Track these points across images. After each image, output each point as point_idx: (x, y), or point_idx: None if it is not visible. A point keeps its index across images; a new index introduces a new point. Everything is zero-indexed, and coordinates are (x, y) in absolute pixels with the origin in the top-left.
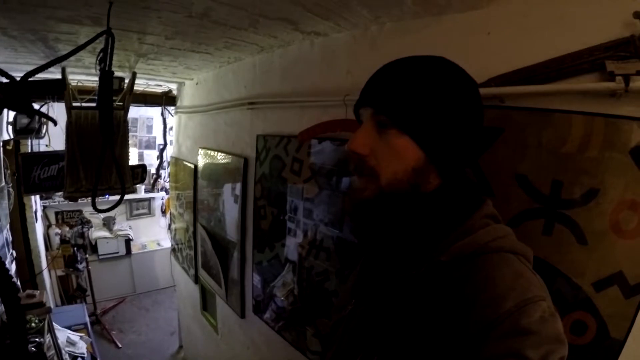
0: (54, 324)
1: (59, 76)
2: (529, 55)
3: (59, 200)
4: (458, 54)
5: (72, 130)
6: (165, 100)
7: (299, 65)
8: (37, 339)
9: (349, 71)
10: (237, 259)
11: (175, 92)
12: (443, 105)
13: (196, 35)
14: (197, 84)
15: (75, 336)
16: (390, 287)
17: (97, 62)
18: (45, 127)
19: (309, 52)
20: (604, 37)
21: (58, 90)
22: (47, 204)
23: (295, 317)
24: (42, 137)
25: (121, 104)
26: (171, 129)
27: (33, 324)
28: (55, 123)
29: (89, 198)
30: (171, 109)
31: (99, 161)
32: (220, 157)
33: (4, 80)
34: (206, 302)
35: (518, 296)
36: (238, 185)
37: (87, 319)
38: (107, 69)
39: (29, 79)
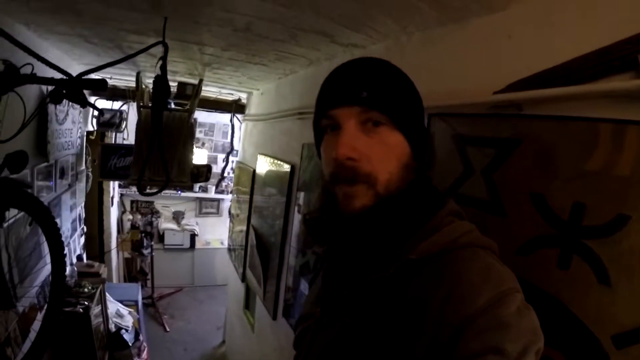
0: (107, 294)
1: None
2: (551, 57)
3: (134, 190)
4: (479, 61)
5: (141, 127)
6: (235, 108)
7: None
8: (86, 303)
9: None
10: (276, 262)
11: (244, 101)
12: (417, 100)
13: (247, 48)
14: (262, 93)
15: (124, 310)
16: (359, 292)
17: (159, 68)
18: (125, 122)
19: None
20: (635, 28)
21: (101, 87)
22: (125, 192)
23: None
24: (121, 131)
25: (188, 106)
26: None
27: (86, 289)
28: (99, 110)
29: (173, 191)
30: (240, 116)
31: (147, 153)
32: (274, 164)
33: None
34: (249, 301)
35: (492, 289)
36: (284, 191)
37: (140, 298)
38: (162, 73)
39: (83, 77)
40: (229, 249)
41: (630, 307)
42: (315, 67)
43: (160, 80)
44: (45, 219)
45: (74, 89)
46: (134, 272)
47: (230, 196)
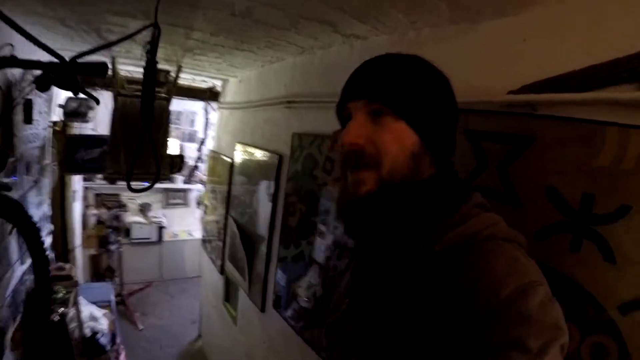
0: (80, 298)
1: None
2: (564, 62)
3: (99, 182)
4: (493, 61)
5: (118, 116)
6: (210, 95)
7: (338, 68)
8: (62, 309)
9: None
10: (263, 253)
11: (219, 88)
12: (430, 91)
13: (239, 34)
14: (240, 81)
15: (98, 312)
16: (384, 283)
17: (145, 53)
18: (91, 112)
19: (348, 54)
20: None
21: (102, 72)
22: (89, 185)
23: (316, 318)
24: (88, 121)
25: (165, 95)
26: (213, 123)
27: (60, 295)
28: (97, 102)
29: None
30: (214, 104)
31: (137, 145)
32: (256, 153)
33: (55, 61)
34: (229, 294)
35: (516, 281)
36: (272, 181)
37: (113, 298)
38: (152, 59)
39: (77, 61)
40: (204, 241)
41: (632, 282)
42: (308, 56)
43: (152, 67)
44: (27, 228)
45: (67, 74)
46: (101, 270)
47: (197, 186)
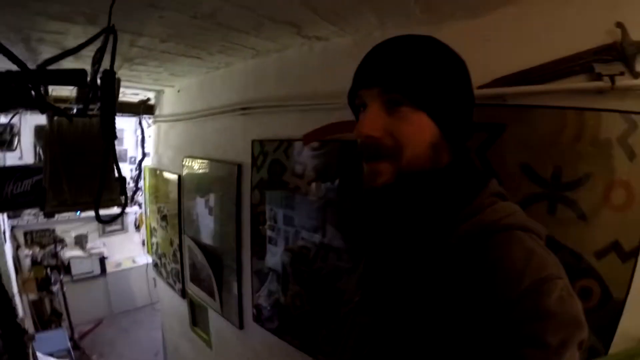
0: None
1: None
2: (527, 59)
3: (27, 219)
4: (463, 55)
5: (54, 140)
6: (144, 109)
7: (296, 70)
8: None
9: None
10: (233, 268)
11: (152, 101)
12: (450, 79)
13: (193, 38)
14: (178, 91)
15: None
16: (399, 274)
17: (92, 63)
18: (17, 139)
19: (307, 56)
20: (591, 43)
21: (80, 81)
22: (16, 223)
23: (305, 321)
24: (14, 150)
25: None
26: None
27: None
28: (70, 120)
29: (71, 213)
30: (147, 119)
31: (101, 170)
32: (210, 166)
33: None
34: (196, 317)
35: (533, 275)
36: (232, 193)
37: (69, 344)
38: (111, 69)
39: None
40: (156, 266)
41: (602, 231)
42: (261, 59)
43: (111, 77)
44: None
45: (33, 86)
46: (46, 316)
47: (134, 209)
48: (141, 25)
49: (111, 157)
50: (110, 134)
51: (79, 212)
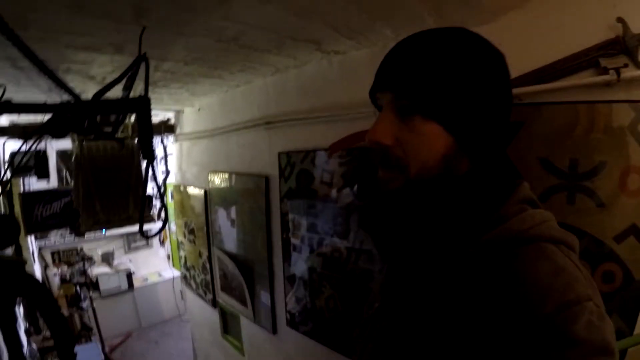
0: None
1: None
2: (537, 59)
3: (54, 239)
4: None
5: (85, 163)
6: (165, 128)
7: (316, 83)
8: None
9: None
10: (264, 275)
11: (172, 121)
12: (471, 84)
13: (216, 60)
14: (199, 109)
15: None
16: (418, 283)
17: (123, 89)
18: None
19: (327, 69)
20: (596, 40)
21: (133, 109)
22: (43, 244)
23: (339, 322)
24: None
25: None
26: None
27: None
28: (122, 146)
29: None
30: (167, 138)
31: (142, 188)
32: (235, 179)
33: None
34: (227, 325)
35: (560, 297)
36: (261, 203)
37: (103, 356)
38: (145, 94)
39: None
40: (185, 278)
41: (620, 217)
42: (281, 75)
43: (146, 102)
44: (46, 304)
45: (89, 116)
46: (76, 331)
47: (158, 224)
48: (166, 50)
49: (154, 175)
50: (149, 154)
51: (104, 230)
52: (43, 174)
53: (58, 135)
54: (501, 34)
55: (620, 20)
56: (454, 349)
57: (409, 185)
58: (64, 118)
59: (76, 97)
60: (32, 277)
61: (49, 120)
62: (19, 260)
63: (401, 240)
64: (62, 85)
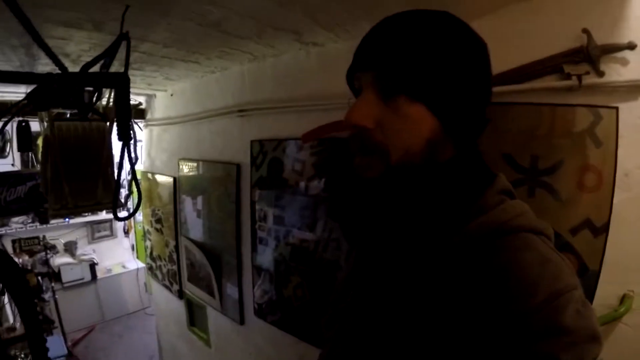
0: None
1: None
2: (506, 62)
3: (15, 227)
4: None
5: (55, 144)
6: (136, 113)
7: (293, 73)
8: None
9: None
10: (233, 264)
11: (144, 105)
12: (459, 65)
13: (194, 44)
14: (171, 95)
15: None
16: (394, 276)
17: (100, 67)
18: (9, 145)
19: (304, 60)
20: (561, 47)
21: (122, 84)
22: (3, 232)
23: (306, 311)
24: (6, 157)
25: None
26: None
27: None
28: (105, 121)
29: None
30: (138, 123)
31: (118, 170)
32: (207, 166)
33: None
34: (193, 317)
35: (548, 287)
36: (231, 191)
37: (66, 350)
38: (125, 72)
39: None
40: (150, 269)
41: (575, 211)
42: (258, 63)
43: (126, 80)
44: (20, 290)
45: (75, 88)
46: None
47: (123, 213)
48: (148, 31)
49: (130, 158)
50: (126, 135)
51: (67, 218)
52: (26, 147)
53: (42, 107)
54: None
55: (585, 31)
56: (434, 343)
57: (389, 172)
58: (50, 89)
59: (64, 68)
60: (4, 253)
61: (33, 90)
62: None
63: (375, 230)
64: (51, 55)
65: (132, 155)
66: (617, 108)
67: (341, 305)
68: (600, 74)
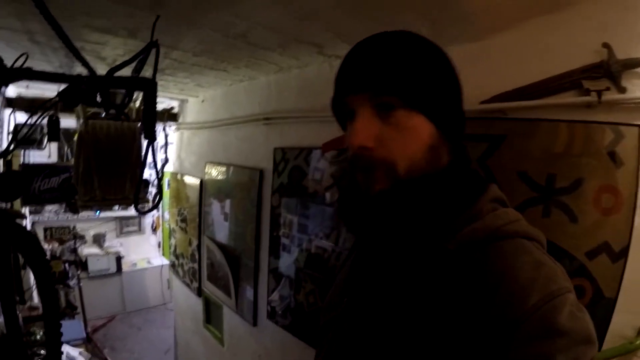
0: None
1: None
2: (524, 77)
3: (48, 215)
4: (465, 77)
5: (88, 140)
6: (168, 116)
7: (317, 84)
8: (42, 352)
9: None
10: (250, 267)
11: (176, 109)
12: (443, 73)
13: (223, 54)
14: (202, 101)
15: (74, 351)
16: (390, 281)
17: (132, 72)
18: (46, 138)
19: (327, 72)
20: (580, 62)
21: (147, 88)
22: (37, 219)
23: (317, 318)
24: (43, 149)
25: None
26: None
27: (38, 337)
28: (127, 120)
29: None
30: (170, 126)
31: (140, 167)
32: (231, 171)
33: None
34: (210, 315)
35: (543, 289)
36: (253, 196)
37: (85, 334)
38: (153, 78)
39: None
40: (173, 266)
41: (592, 234)
42: (283, 74)
43: (153, 85)
44: (39, 264)
45: (102, 89)
46: (60, 308)
47: (152, 211)
48: (177, 40)
49: (154, 157)
50: (152, 134)
51: (98, 212)
52: (54, 137)
53: (70, 104)
54: (490, 51)
55: (605, 45)
56: (431, 347)
57: (398, 185)
58: (78, 89)
59: (92, 70)
60: (27, 230)
61: (64, 89)
62: (15, 212)
63: (374, 237)
64: (80, 59)
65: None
66: (639, 126)
67: (336, 310)
68: (622, 90)
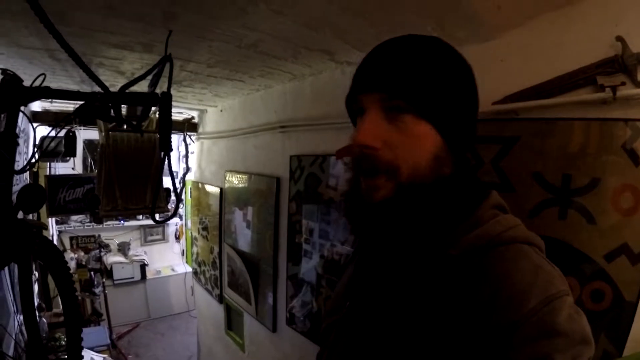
0: None
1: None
2: (536, 75)
3: (74, 225)
4: (478, 76)
5: (110, 152)
6: (188, 127)
7: (330, 91)
8: (65, 357)
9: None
10: (269, 273)
11: (196, 120)
12: (458, 85)
13: (237, 64)
14: (221, 110)
15: (98, 357)
16: (393, 286)
17: (149, 85)
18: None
19: (340, 78)
20: (594, 58)
21: (153, 103)
22: (63, 228)
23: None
24: (67, 161)
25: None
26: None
27: (62, 342)
28: (142, 134)
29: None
30: (190, 136)
31: (158, 178)
32: (250, 179)
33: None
34: (231, 321)
35: (541, 292)
36: (271, 203)
37: (109, 341)
38: (167, 91)
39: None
40: (195, 273)
41: (611, 235)
42: (298, 82)
43: (168, 98)
44: (59, 269)
45: (114, 105)
46: (86, 315)
47: (175, 220)
48: (191, 52)
49: (169, 167)
50: (167, 146)
51: (122, 221)
52: (71, 152)
53: (86, 120)
54: (502, 51)
55: (619, 39)
56: (433, 351)
57: (401, 191)
58: (93, 106)
59: (105, 88)
60: (49, 240)
61: (79, 106)
62: (39, 223)
63: (376, 245)
64: (93, 77)
65: (179, 166)
66: None
67: (338, 314)
68: (638, 84)
